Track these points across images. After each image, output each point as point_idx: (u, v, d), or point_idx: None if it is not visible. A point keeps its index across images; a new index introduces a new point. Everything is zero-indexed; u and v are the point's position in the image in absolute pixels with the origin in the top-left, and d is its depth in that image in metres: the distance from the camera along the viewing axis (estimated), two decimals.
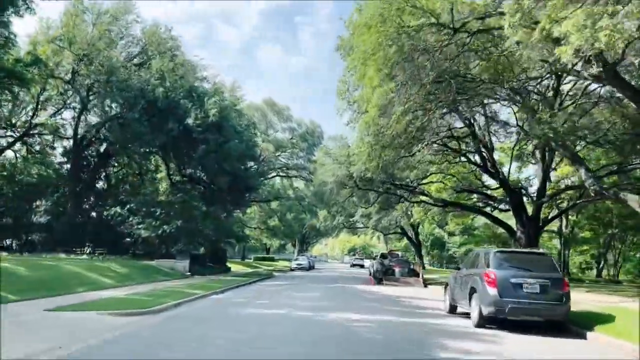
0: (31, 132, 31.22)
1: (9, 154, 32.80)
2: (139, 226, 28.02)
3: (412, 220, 43.11)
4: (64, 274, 16.54)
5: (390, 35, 16.28)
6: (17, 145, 32.68)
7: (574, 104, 22.59)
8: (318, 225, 56.06)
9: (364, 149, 23.01)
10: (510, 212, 31.63)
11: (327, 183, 27.11)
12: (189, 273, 27.01)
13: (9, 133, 31.60)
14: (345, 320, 10.84)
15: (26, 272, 15.18)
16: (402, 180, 30.91)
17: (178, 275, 24.71)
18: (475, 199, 32.82)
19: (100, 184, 35.95)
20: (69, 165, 31.75)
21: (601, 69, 12.53)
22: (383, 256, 29.50)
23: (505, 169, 34.53)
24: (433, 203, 28.97)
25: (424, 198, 32.20)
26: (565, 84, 23.63)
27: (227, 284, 21.08)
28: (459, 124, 29.94)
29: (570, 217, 36.67)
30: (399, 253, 29.04)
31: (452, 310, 13.02)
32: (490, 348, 8.27)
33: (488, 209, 33.74)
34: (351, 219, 58.49)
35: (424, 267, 36.01)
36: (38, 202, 32.38)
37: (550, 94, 23.17)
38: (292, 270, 44.56)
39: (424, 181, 32.74)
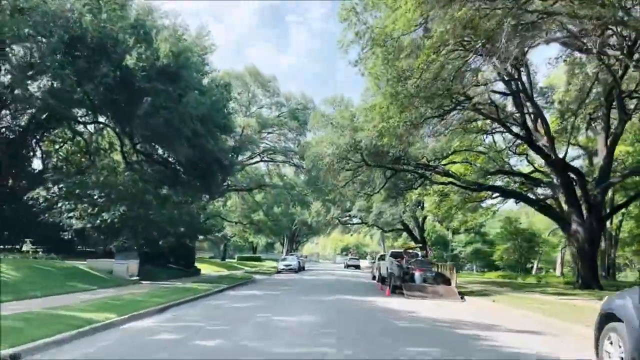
0: None
1: None
2: (70, 214, 20.78)
3: (424, 211, 36.35)
4: None
5: None
6: None
7: None
8: (310, 220, 48.72)
9: (380, 103, 16.06)
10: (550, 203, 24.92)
11: (324, 157, 19.91)
12: (135, 278, 19.93)
13: None
14: None
15: None
16: (416, 159, 24.11)
17: (115, 282, 17.55)
18: (511, 182, 26.09)
19: (36, 164, 28.57)
20: None
21: None
22: (394, 255, 22.45)
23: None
24: (464, 186, 22.08)
25: (441, 180, 25.29)
26: None
27: (179, 297, 14.07)
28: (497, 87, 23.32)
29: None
30: (417, 251, 21.69)
31: None
32: None
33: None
34: (348, 214, 51.63)
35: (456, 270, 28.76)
36: None
37: None
38: (278, 272, 37.49)
39: (443, 162, 25.89)
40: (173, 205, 21.81)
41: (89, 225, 20.99)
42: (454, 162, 25.86)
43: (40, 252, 20.54)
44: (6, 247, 22.80)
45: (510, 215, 40.04)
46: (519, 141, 24.72)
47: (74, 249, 25.46)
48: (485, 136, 26.25)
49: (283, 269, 38.06)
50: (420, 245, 48.31)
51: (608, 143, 21.14)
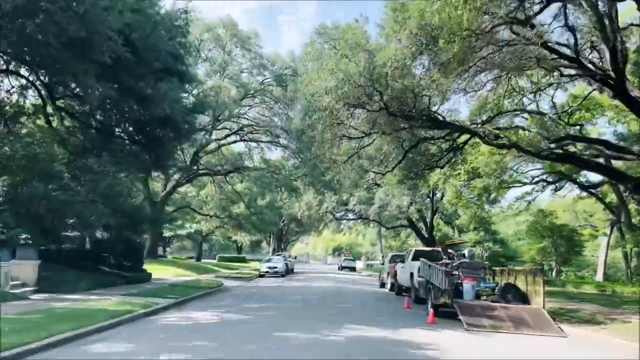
0: None
1: None
2: None
3: (444, 200, 29.37)
4: None
5: None
6: None
7: None
8: (299, 214, 41.22)
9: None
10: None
11: (322, 97, 12.41)
12: (29, 288, 12.75)
13: None
14: None
15: None
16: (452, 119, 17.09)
17: None
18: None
19: None
20: None
21: None
22: (421, 255, 15.05)
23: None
24: (533, 152, 14.92)
25: (491, 146, 18.21)
26: None
27: (60, 331, 6.83)
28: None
29: None
30: (464, 250, 14.09)
31: None
32: None
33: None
34: (344, 207, 44.36)
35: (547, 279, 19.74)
36: None
37: None
38: (261, 275, 30.20)
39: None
40: (92, 180, 14.39)
41: None
42: (498, 128, 18.84)
43: None
44: None
45: (542, 209, 33.30)
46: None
47: None
48: (538, 94, 19.32)
49: (267, 271, 30.77)
50: (427, 244, 41.27)
51: None
